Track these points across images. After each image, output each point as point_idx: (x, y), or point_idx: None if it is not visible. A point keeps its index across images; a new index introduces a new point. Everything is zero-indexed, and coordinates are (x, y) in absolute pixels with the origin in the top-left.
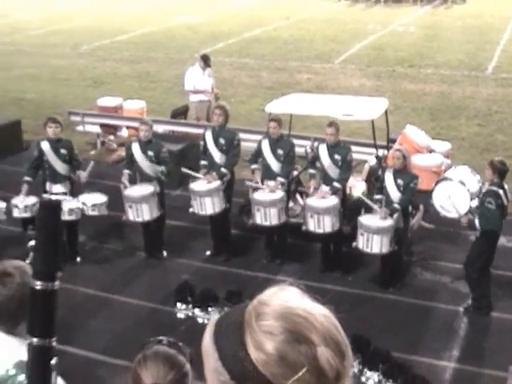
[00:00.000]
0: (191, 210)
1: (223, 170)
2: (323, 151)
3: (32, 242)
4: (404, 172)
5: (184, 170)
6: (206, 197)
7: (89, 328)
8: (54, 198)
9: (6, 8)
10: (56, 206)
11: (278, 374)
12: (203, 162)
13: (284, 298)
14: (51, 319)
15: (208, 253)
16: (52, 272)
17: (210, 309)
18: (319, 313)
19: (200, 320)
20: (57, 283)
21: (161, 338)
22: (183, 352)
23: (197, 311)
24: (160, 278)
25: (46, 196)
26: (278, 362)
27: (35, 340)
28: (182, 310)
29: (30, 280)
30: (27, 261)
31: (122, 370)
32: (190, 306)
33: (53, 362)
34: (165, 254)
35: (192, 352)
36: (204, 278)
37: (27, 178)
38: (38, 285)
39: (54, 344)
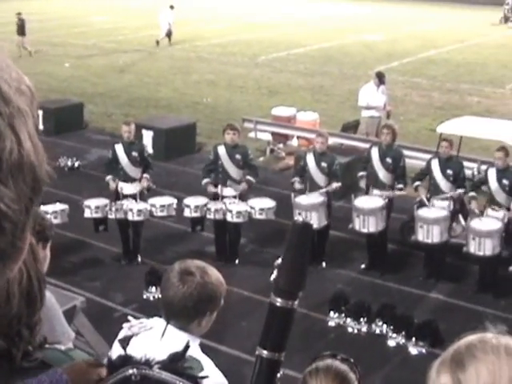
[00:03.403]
0: (351, 226)
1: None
2: (492, 175)
3: (279, 260)
4: None
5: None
6: (370, 215)
7: (241, 328)
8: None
9: (188, 17)
10: (309, 228)
11: None
12: (362, 173)
13: None
14: (285, 336)
15: (363, 266)
16: (294, 292)
17: (361, 320)
18: None
19: (350, 330)
20: (296, 302)
21: (335, 352)
22: (354, 370)
23: (348, 321)
24: (316, 286)
25: (298, 217)
26: None
27: (265, 352)
28: (333, 319)
29: (271, 295)
30: (271, 278)
31: None
32: (343, 315)
33: (278, 375)
34: (324, 264)
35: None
36: (359, 289)
37: (207, 180)
38: (279, 302)
39: (282, 359)
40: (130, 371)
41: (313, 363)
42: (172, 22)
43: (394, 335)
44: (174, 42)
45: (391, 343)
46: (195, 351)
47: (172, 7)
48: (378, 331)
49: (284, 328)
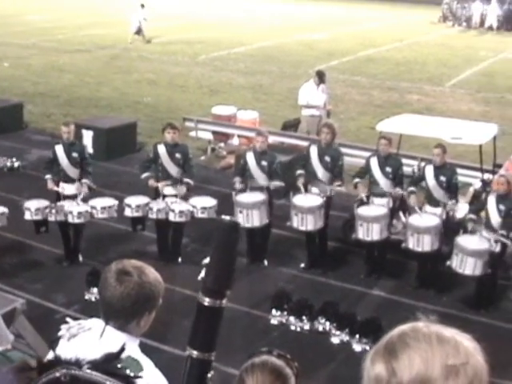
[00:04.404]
0: (289, 223)
1: (327, 187)
2: (429, 172)
3: (206, 260)
4: (507, 198)
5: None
6: (308, 214)
7: (183, 327)
8: (228, 218)
9: (128, 16)
10: (236, 227)
11: None
12: (300, 172)
13: None
14: (214, 335)
15: (302, 265)
16: (222, 290)
17: (304, 318)
18: None
19: (293, 327)
20: (224, 301)
21: (271, 348)
22: (291, 365)
23: (291, 319)
24: (258, 284)
25: (225, 217)
26: None
27: (195, 353)
28: (276, 317)
29: (198, 295)
30: (199, 278)
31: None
32: (285, 313)
33: (209, 375)
34: (266, 263)
35: (299, 366)
36: (301, 287)
37: (147, 174)
38: (207, 301)
39: (213, 358)
40: (59, 372)
41: (249, 360)
42: (143, 19)
43: (338, 332)
44: (115, 41)
45: (335, 340)
46: (134, 351)
47: (143, 6)
48: (320, 329)
49: (213, 327)
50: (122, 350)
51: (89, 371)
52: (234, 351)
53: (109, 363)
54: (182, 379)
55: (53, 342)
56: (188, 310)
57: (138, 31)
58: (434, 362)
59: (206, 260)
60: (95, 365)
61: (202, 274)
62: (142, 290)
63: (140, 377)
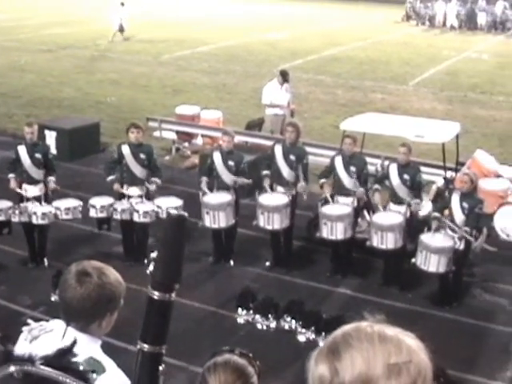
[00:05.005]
0: (255, 222)
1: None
2: (393, 170)
3: (154, 254)
4: (470, 196)
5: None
6: (274, 213)
7: None
8: (172, 211)
9: (91, 15)
10: (183, 222)
11: None
12: (266, 172)
13: None
14: (164, 328)
15: (267, 263)
16: (171, 284)
17: (270, 316)
18: None
19: (259, 326)
20: (173, 295)
21: (233, 347)
22: (253, 364)
23: (257, 317)
24: (224, 284)
25: (173, 211)
26: None
27: (146, 346)
28: (242, 316)
29: (148, 289)
30: (147, 271)
31: (180, 370)
32: (251, 312)
33: (161, 368)
34: (232, 263)
35: (261, 365)
36: (267, 285)
37: (113, 177)
38: (156, 295)
39: (164, 351)
40: (12, 368)
41: (211, 359)
42: (123, 18)
43: (304, 330)
44: (77, 41)
45: (301, 338)
46: (96, 352)
47: (123, 4)
48: (286, 327)
49: (163, 321)
50: (74, 343)
51: (42, 367)
52: (201, 351)
53: (61, 358)
54: (134, 373)
55: (2, 339)
56: None
57: (121, 29)
58: (375, 361)
59: (154, 254)
60: (48, 360)
61: (151, 268)
62: (102, 291)
63: (95, 371)
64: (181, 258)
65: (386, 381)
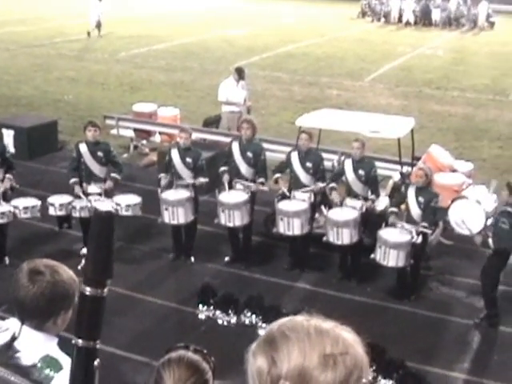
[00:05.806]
0: (217, 220)
1: (252, 183)
2: (348, 166)
3: (84, 250)
4: (426, 190)
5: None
6: (235, 210)
7: (114, 325)
8: (106, 207)
9: (48, 13)
10: (110, 217)
11: None
12: (224, 168)
13: None
14: (97, 323)
15: (227, 259)
16: (102, 280)
17: (230, 311)
18: None
19: (220, 321)
20: (106, 290)
21: (187, 344)
22: (207, 360)
23: (218, 313)
24: (185, 280)
25: (99, 207)
26: None
27: (80, 341)
28: (203, 312)
29: (80, 285)
30: (79, 267)
31: (144, 366)
32: (212, 307)
33: (95, 363)
34: (192, 259)
35: (216, 361)
36: (227, 281)
37: (75, 179)
38: (88, 291)
39: (98, 346)
40: None
41: (166, 355)
42: (101, 13)
43: (264, 325)
44: (34, 39)
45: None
46: (53, 350)
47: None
48: (247, 322)
49: (96, 316)
50: (13, 339)
51: None
52: (163, 347)
53: (1, 354)
54: (71, 369)
55: None
56: (118, 308)
57: (98, 25)
58: (311, 352)
59: (84, 250)
60: None
61: (82, 263)
62: (55, 289)
63: (35, 365)
64: (110, 254)
65: (323, 372)
